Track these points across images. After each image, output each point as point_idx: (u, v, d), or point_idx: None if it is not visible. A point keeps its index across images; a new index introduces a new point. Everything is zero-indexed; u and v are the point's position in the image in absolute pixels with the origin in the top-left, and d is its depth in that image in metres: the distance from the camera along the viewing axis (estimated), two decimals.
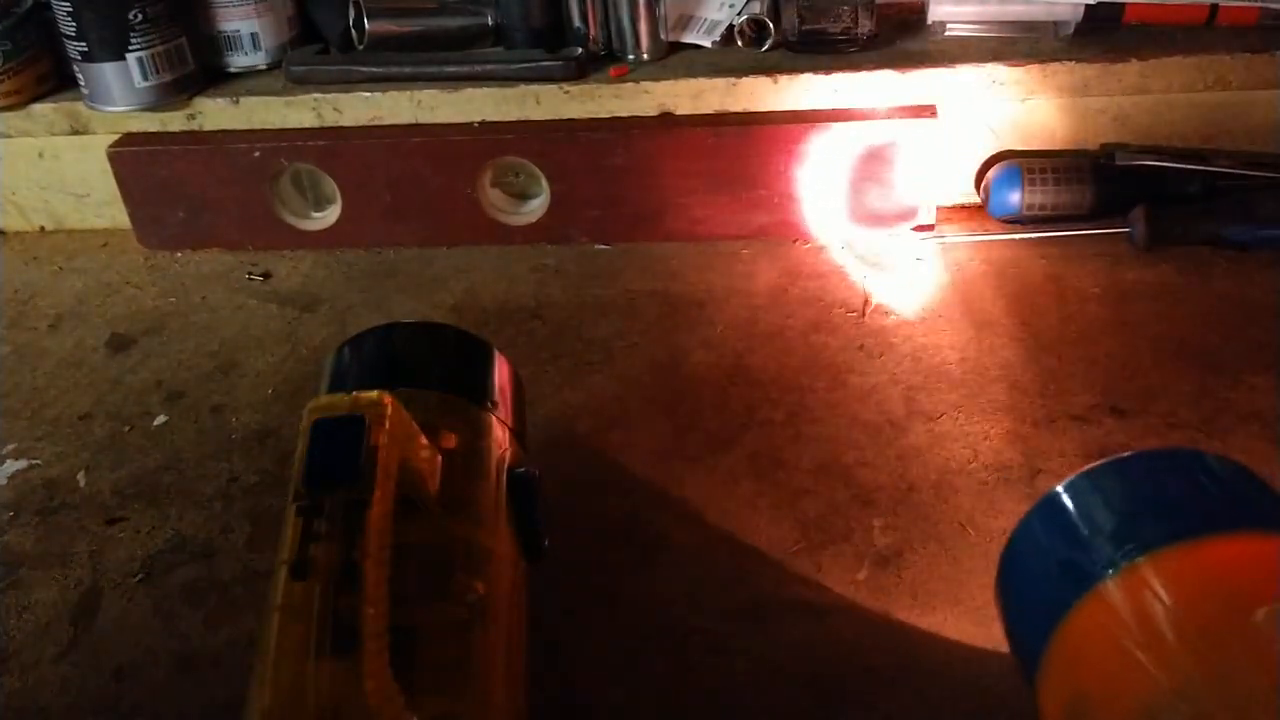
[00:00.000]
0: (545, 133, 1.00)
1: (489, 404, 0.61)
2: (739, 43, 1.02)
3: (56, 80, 1.07)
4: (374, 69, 1.02)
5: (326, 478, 0.43)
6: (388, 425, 0.45)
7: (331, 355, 0.65)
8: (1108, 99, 0.97)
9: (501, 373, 0.65)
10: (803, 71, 0.97)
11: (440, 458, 0.53)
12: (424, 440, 0.51)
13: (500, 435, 0.60)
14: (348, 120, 1.02)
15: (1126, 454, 0.51)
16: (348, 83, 1.02)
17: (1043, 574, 0.50)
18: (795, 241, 1.01)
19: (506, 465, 0.58)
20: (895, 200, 0.99)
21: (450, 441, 0.55)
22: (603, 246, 1.03)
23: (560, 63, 0.99)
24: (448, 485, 0.52)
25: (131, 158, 1.05)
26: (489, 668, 0.48)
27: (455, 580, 0.50)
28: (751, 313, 0.91)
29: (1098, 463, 0.50)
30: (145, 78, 1.00)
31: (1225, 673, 0.41)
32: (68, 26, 0.98)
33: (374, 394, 0.46)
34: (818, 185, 0.99)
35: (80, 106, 1.04)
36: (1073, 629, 0.46)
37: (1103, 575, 0.45)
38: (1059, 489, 0.50)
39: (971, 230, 1.00)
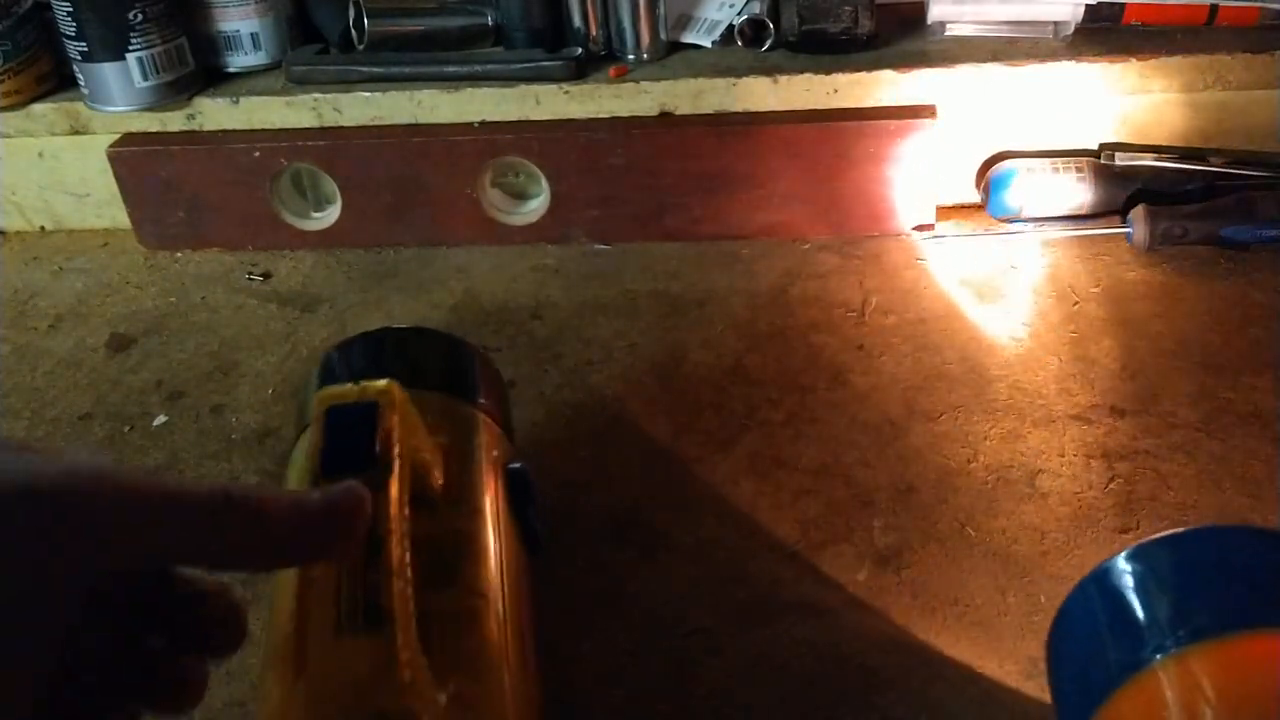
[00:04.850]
0: (545, 133, 1.00)
1: (479, 402, 0.61)
2: (739, 43, 1.02)
3: (56, 80, 1.07)
4: (374, 69, 1.02)
5: (343, 464, 0.43)
6: (398, 410, 0.46)
7: (318, 363, 0.65)
8: (1108, 99, 0.97)
9: (486, 373, 0.65)
10: (803, 71, 0.97)
11: (442, 452, 0.53)
12: (427, 433, 0.51)
13: (492, 432, 0.60)
14: (348, 120, 1.02)
15: (1201, 527, 0.47)
16: (348, 83, 1.02)
17: (1092, 650, 0.46)
18: (795, 241, 1.01)
19: (502, 461, 0.59)
20: (895, 200, 0.99)
21: (447, 438, 0.55)
22: (603, 246, 1.03)
23: (560, 63, 0.99)
24: (449, 480, 0.52)
25: (131, 158, 1.04)
26: (502, 655, 0.49)
27: (464, 570, 0.50)
28: (751, 313, 0.91)
29: (1166, 533, 0.47)
30: (145, 78, 1.00)
31: None
32: (68, 26, 0.98)
33: (382, 382, 0.46)
34: (817, 185, 0.99)
35: (80, 106, 1.04)
36: (1114, 713, 0.43)
37: (1150, 661, 0.42)
38: (1120, 557, 0.47)
39: (971, 230, 1.00)
